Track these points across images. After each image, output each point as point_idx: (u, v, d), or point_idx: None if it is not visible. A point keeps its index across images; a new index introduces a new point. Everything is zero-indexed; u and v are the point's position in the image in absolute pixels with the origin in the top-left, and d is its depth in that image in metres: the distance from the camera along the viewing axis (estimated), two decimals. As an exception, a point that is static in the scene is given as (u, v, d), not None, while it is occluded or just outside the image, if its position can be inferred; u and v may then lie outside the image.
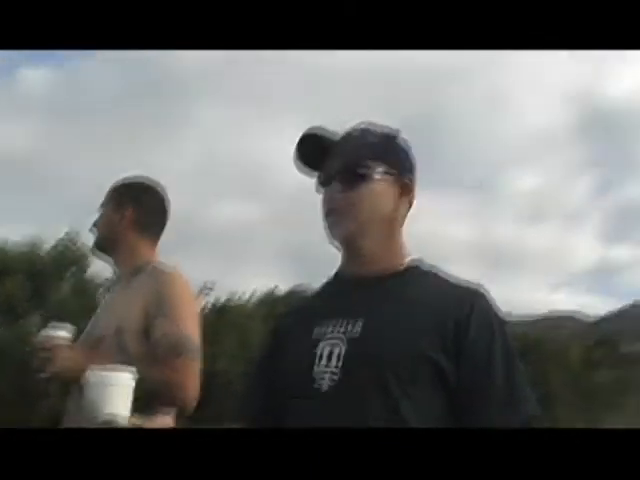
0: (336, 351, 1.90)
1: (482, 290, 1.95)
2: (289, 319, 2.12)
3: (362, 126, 2.04)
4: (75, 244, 42.66)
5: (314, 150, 2.01)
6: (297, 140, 2.01)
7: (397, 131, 2.06)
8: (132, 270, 3.00)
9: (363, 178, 1.96)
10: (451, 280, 2.00)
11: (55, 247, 42.25)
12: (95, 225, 3.11)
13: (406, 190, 2.02)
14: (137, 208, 3.08)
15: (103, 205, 3.13)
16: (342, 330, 1.91)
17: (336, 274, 2.10)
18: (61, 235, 42.51)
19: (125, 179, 3.17)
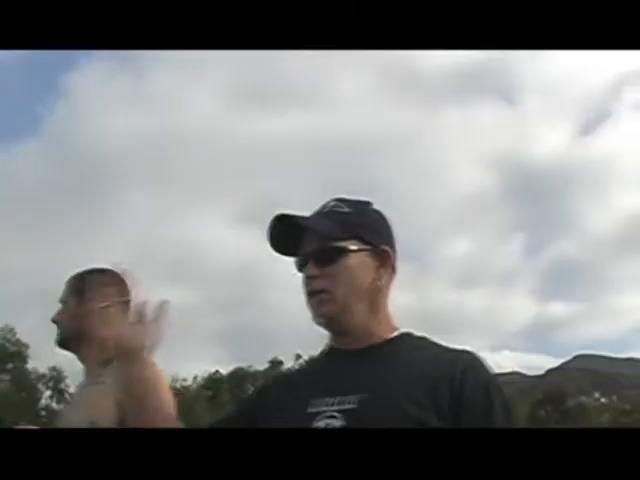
0: (332, 424, 1.85)
1: (472, 352, 1.94)
2: (269, 395, 2.06)
3: (332, 202, 2.01)
4: (12, 338, 42.06)
5: (286, 235, 1.98)
6: (268, 228, 1.98)
7: (368, 202, 2.05)
8: (101, 363, 2.85)
9: (338, 255, 1.93)
10: (441, 346, 1.98)
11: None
12: (56, 321, 2.96)
13: (384, 259, 1.98)
14: (103, 300, 2.92)
15: (64, 298, 2.99)
16: (337, 404, 1.88)
17: (326, 348, 2.07)
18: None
19: (83, 270, 3.05)
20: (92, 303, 2.91)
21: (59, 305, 2.98)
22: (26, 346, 40.61)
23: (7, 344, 40.78)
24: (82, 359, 2.96)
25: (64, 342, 2.95)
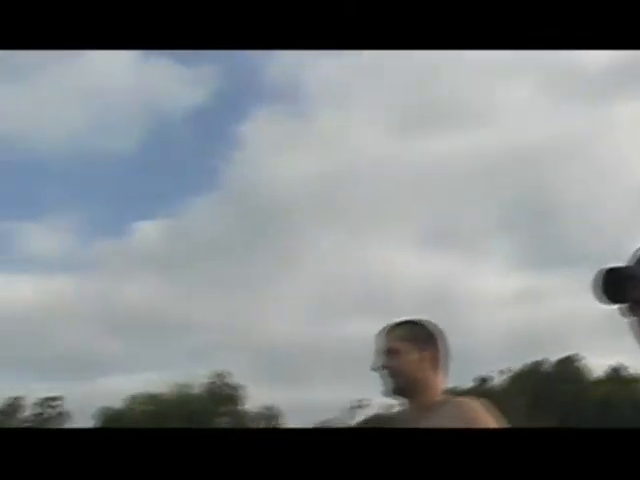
0: None
1: None
2: None
3: None
4: (223, 382, 43.55)
5: (614, 286, 2.13)
6: (597, 281, 2.13)
7: None
8: (427, 406, 3.00)
9: None
10: None
11: (206, 387, 43.24)
12: (388, 368, 3.06)
13: None
14: (432, 348, 3.09)
15: (396, 347, 3.08)
16: None
17: None
18: (209, 375, 43.51)
19: (406, 322, 3.19)
20: (425, 352, 3.04)
21: (384, 353, 3.09)
22: (238, 388, 41.79)
23: (222, 388, 42.09)
24: (411, 402, 3.07)
25: (399, 390, 3.04)
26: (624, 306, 2.11)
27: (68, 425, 37.43)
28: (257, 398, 40.80)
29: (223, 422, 39.99)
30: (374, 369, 3.04)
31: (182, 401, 38.41)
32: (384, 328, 3.11)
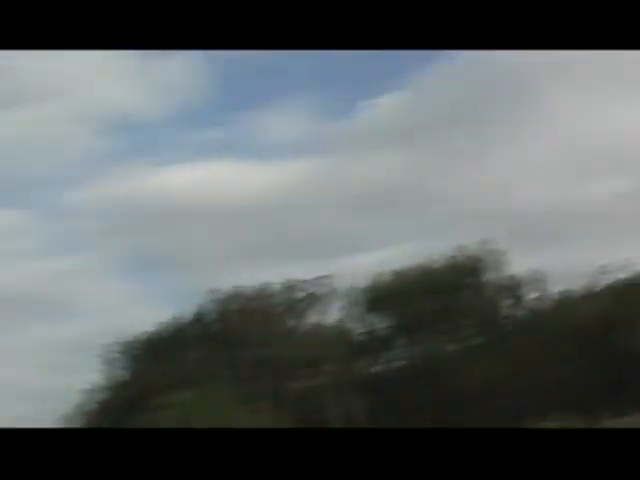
0: None
1: None
2: None
3: None
4: (467, 253, 43.74)
5: None
6: None
7: None
8: None
9: None
10: None
11: (449, 260, 43.65)
12: None
13: None
14: None
15: None
16: None
17: None
18: (453, 248, 43.83)
19: None
20: None
21: None
22: (481, 259, 41.78)
23: (465, 260, 42.26)
24: None
25: None
26: None
27: (318, 306, 39.30)
28: (501, 268, 40.59)
29: (468, 294, 40.34)
30: None
31: (426, 275, 39.07)
32: None
